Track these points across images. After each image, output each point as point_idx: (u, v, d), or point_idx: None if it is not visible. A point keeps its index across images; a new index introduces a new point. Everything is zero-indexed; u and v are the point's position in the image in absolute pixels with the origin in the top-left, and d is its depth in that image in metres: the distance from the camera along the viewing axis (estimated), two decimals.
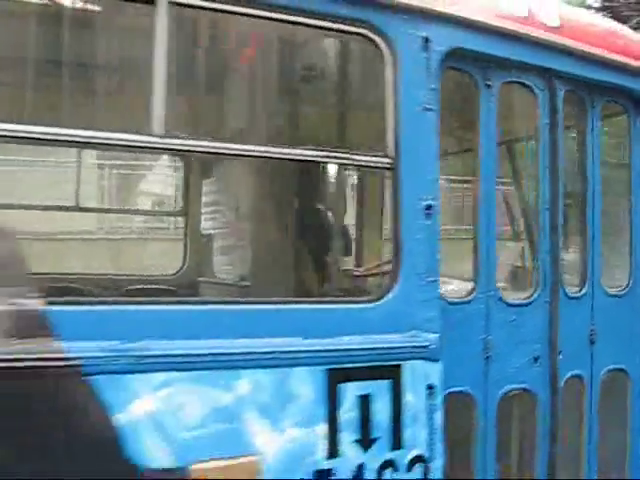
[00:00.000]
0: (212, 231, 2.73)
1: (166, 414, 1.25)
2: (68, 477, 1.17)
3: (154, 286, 2.24)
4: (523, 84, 1.80)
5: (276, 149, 1.41)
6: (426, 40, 1.56)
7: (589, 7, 22.87)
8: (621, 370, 2.01)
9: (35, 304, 1.18)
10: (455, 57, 1.62)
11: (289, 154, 1.44)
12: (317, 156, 1.50)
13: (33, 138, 1.23)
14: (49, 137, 1.23)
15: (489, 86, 1.74)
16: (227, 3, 1.34)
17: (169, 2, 1.30)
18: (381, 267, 1.68)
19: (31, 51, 1.66)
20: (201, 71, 1.67)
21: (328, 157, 1.51)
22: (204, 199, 2.82)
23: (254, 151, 1.42)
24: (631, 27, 14.87)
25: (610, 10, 22.40)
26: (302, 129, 1.91)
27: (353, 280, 1.94)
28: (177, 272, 2.77)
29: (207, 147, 1.35)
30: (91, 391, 1.19)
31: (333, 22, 1.48)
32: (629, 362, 2.02)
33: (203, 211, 2.82)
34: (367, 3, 1.49)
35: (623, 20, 17.23)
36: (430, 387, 1.51)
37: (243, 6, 1.36)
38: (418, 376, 1.50)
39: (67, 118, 1.58)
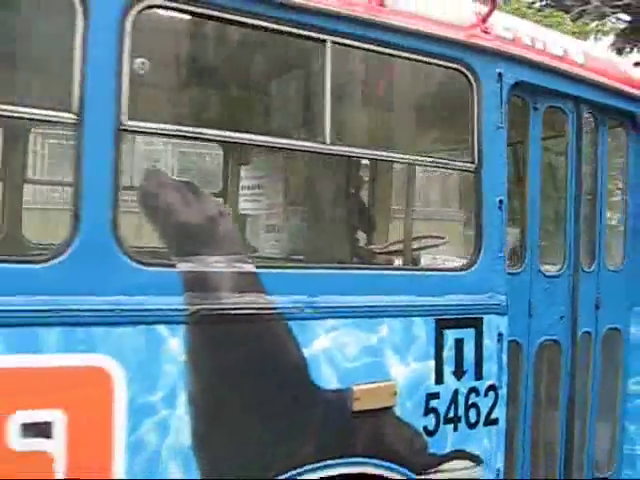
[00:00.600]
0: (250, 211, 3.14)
1: (334, 350, 1.72)
2: (273, 392, 1.63)
3: None
4: (560, 108, 2.34)
5: (404, 155, 1.90)
6: (500, 75, 2.07)
7: None
8: (616, 329, 2.63)
9: (251, 267, 1.62)
10: (517, 88, 2.14)
11: (415, 160, 1.94)
12: (424, 161, 2.00)
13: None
14: (260, 143, 1.69)
15: (536, 109, 2.28)
16: (373, 44, 1.80)
17: (332, 42, 1.76)
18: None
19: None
20: (357, 96, 2.12)
21: (432, 162, 2.02)
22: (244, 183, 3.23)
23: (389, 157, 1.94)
24: (572, 16, 15.86)
25: (554, 0, 23.43)
26: (418, 140, 2.42)
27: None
28: None
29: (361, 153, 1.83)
30: (288, 332, 1.65)
31: (439, 59, 1.96)
32: (622, 323, 2.64)
33: (242, 193, 3.23)
34: (463, 46, 1.98)
35: (566, 10, 18.23)
36: (500, 335, 2.05)
37: (384, 47, 1.83)
38: (493, 326, 2.03)
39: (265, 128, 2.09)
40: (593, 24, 16.90)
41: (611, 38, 20.94)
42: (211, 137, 1.73)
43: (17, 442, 1.34)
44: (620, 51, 22.42)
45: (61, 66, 1.46)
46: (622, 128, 2.62)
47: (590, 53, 2.57)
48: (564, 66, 2.31)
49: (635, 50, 22.33)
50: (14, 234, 2.48)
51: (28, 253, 1.69)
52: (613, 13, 20.54)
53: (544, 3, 21.64)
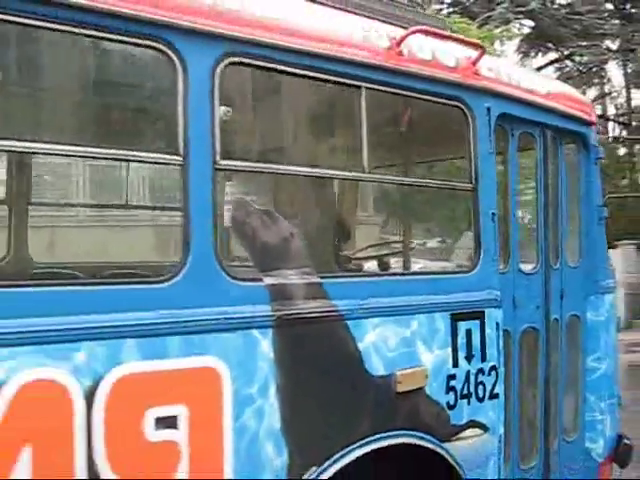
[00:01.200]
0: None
1: (380, 342, 2.11)
2: (337, 380, 1.98)
3: None
4: (530, 133, 2.85)
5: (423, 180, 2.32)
6: (488, 109, 2.54)
7: (442, 2, 25.09)
8: (576, 315, 3.18)
9: (316, 278, 1.97)
10: (500, 118, 2.61)
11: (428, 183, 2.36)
12: (430, 183, 2.45)
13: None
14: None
15: (513, 135, 2.77)
16: (396, 88, 2.21)
17: (366, 88, 2.14)
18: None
19: None
20: (386, 133, 2.50)
21: (441, 184, 2.46)
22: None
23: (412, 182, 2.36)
24: (479, 22, 17.17)
25: (461, 6, 24.91)
26: (427, 168, 2.84)
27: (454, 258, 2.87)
28: None
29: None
30: (346, 330, 2.02)
31: (443, 98, 2.40)
32: (580, 310, 3.19)
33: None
34: (461, 87, 2.42)
35: (473, 16, 19.45)
36: (497, 324, 2.52)
37: (405, 91, 2.25)
38: (492, 317, 2.50)
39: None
40: (498, 30, 18.34)
41: (516, 43, 22.71)
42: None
43: (152, 434, 1.63)
44: (526, 55, 24.26)
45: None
46: (577, 147, 3.18)
47: (551, 84, 3.12)
48: (533, 98, 2.82)
49: (540, 54, 24.22)
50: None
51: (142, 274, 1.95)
52: (517, 19, 22.30)
53: (451, 10, 23.06)
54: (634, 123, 17.93)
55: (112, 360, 1.58)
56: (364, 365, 2.07)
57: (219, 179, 1.80)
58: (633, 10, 20.39)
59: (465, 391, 2.39)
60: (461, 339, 2.39)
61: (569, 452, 3.09)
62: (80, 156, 2.08)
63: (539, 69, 23.34)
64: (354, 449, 2.03)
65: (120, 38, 1.70)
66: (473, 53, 2.55)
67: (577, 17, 21.08)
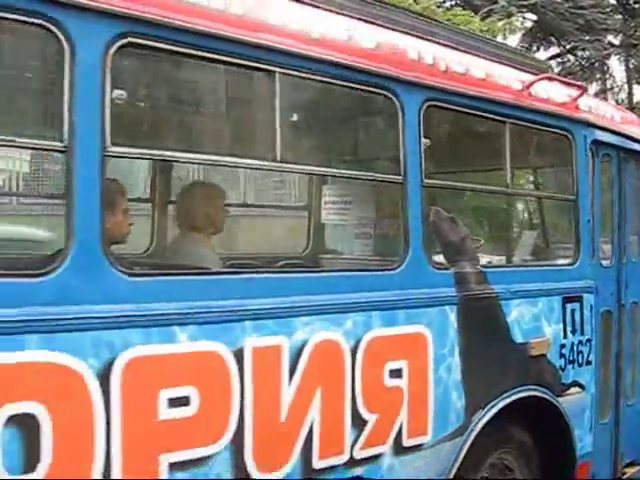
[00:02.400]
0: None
1: (519, 317, 2.88)
2: (495, 345, 2.74)
3: None
4: (608, 154, 3.62)
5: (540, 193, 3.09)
6: (585, 137, 3.31)
7: None
8: (635, 302, 3.99)
9: (481, 268, 2.72)
10: (591, 143, 3.38)
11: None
12: (546, 196, 3.21)
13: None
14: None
15: (598, 156, 3.54)
16: (520, 121, 2.96)
17: (510, 123, 2.89)
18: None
19: None
20: (522, 158, 3.26)
21: (551, 196, 3.23)
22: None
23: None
24: (482, 15, 18.08)
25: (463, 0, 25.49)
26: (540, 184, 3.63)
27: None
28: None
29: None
30: (500, 308, 2.79)
31: (555, 129, 3.15)
32: (638, 298, 4.00)
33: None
34: (569, 119, 3.18)
35: (475, 9, 20.21)
36: (591, 306, 3.30)
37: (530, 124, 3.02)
38: (588, 301, 3.29)
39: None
40: (501, 23, 19.09)
41: (519, 36, 23.55)
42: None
43: (388, 381, 2.37)
44: (528, 49, 25.10)
45: None
46: (636, 163, 3.98)
47: (623, 114, 3.90)
48: (612, 126, 3.60)
49: (542, 48, 25.11)
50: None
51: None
52: (520, 12, 23.10)
53: (453, 2, 23.76)
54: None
55: (366, 327, 2.32)
56: (510, 334, 2.86)
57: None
58: (636, 5, 21.07)
59: (571, 357, 3.18)
60: (568, 317, 3.18)
61: (629, 413, 3.91)
62: None
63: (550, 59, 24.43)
64: (504, 398, 2.81)
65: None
66: (575, 92, 3.33)
67: (580, 11, 21.99)
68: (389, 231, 2.72)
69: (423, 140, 2.55)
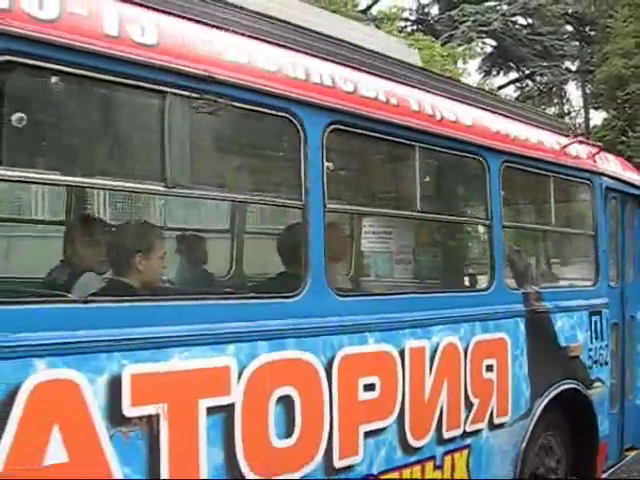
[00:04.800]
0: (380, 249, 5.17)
1: (562, 327, 3.86)
2: (548, 348, 3.70)
3: None
4: (615, 197, 4.69)
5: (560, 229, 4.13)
6: (601, 184, 4.37)
7: (406, 20, 27.23)
8: (632, 316, 5.08)
9: (537, 288, 3.69)
10: (605, 190, 4.44)
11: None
12: (574, 232, 4.25)
13: None
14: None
15: (607, 199, 4.60)
16: (537, 168, 3.99)
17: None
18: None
19: None
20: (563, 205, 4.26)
21: (580, 233, 4.26)
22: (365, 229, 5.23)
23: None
24: (442, 40, 19.60)
25: (425, 24, 27.11)
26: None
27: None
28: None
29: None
30: (550, 320, 3.77)
31: (580, 179, 4.18)
32: (635, 312, 5.09)
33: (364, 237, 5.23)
34: (590, 172, 4.22)
35: (436, 35, 21.68)
36: (607, 319, 4.35)
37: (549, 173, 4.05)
38: (605, 314, 4.35)
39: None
40: (461, 48, 20.56)
41: (478, 61, 25.20)
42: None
43: (484, 375, 3.29)
44: (488, 73, 26.82)
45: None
46: (634, 204, 5.09)
47: (619, 161, 5.00)
48: (619, 176, 4.68)
49: (501, 73, 26.87)
50: None
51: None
52: (479, 38, 24.76)
53: (415, 27, 25.14)
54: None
55: (472, 334, 3.23)
56: (557, 340, 3.87)
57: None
58: (592, 32, 23.04)
59: (595, 359, 4.21)
60: (593, 327, 4.23)
61: (629, 406, 4.98)
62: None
63: (500, 88, 26.16)
64: (554, 389, 3.80)
65: None
66: (593, 149, 4.39)
67: (538, 38, 23.91)
68: (480, 262, 3.70)
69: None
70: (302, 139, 2.53)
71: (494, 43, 24.57)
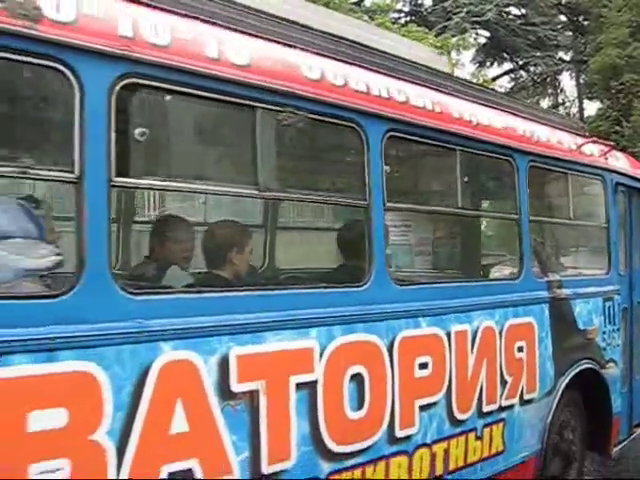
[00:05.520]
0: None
1: (580, 312, 4.23)
2: (569, 331, 4.06)
3: None
4: (623, 192, 5.06)
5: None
6: (611, 180, 4.74)
7: (399, 11, 27.40)
8: (639, 302, 5.47)
9: (559, 277, 4.04)
10: (618, 185, 4.80)
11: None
12: (590, 225, 4.61)
13: None
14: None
15: (616, 193, 4.96)
16: (579, 172, 4.33)
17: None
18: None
19: None
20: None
21: (593, 225, 4.62)
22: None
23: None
24: (436, 31, 19.78)
25: (418, 16, 27.27)
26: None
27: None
28: None
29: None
30: (570, 306, 4.13)
31: (593, 175, 4.54)
32: None
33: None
34: (604, 169, 4.58)
35: (430, 26, 21.91)
36: (619, 304, 4.73)
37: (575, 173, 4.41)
38: (616, 300, 4.72)
39: None
40: (454, 39, 20.78)
41: (472, 52, 25.43)
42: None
43: (517, 356, 3.65)
44: (481, 64, 27.05)
45: None
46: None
47: (626, 158, 5.36)
48: (626, 172, 5.04)
49: (495, 64, 27.12)
50: None
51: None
52: (473, 29, 24.97)
53: (408, 19, 25.27)
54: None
55: (506, 318, 3.57)
56: (577, 324, 4.24)
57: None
58: (586, 22, 22.91)
59: (608, 341, 4.60)
60: (606, 312, 4.59)
61: (637, 385, 5.38)
62: None
63: (494, 79, 26.44)
64: (574, 368, 4.18)
65: None
66: (605, 148, 4.74)
67: (531, 28, 24.18)
68: (511, 253, 4.06)
69: None
70: (365, 145, 2.87)
71: (488, 34, 24.84)
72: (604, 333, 4.62)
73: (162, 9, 2.36)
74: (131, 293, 2.14)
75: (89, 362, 2.00)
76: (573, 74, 23.82)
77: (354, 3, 22.06)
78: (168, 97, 2.36)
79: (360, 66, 3.08)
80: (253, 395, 2.39)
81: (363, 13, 20.93)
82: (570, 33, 23.97)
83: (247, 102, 2.48)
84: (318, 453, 2.60)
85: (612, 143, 4.86)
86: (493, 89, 4.48)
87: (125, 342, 2.09)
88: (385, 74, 3.18)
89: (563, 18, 24.53)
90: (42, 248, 2.01)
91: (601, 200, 4.78)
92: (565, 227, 4.52)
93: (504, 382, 3.62)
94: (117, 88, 2.12)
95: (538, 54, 23.96)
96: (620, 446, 4.91)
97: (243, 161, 2.64)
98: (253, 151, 2.51)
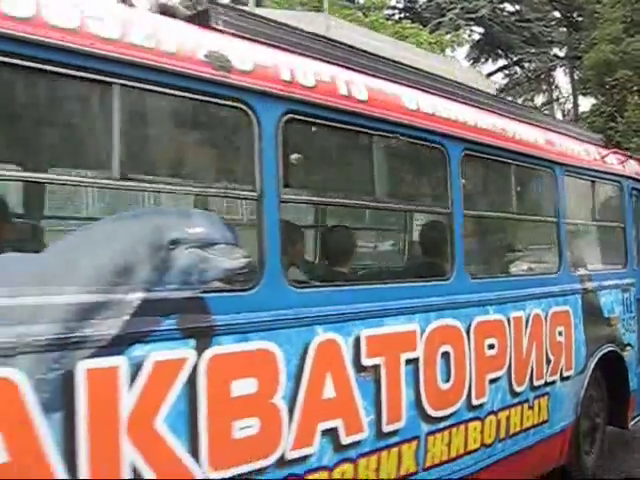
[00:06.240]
0: None
1: (604, 302, 4.94)
2: (595, 318, 4.76)
3: None
4: (634, 195, 5.76)
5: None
6: (628, 186, 5.44)
7: (393, 8, 27.73)
8: None
9: (586, 271, 4.72)
10: (633, 190, 5.50)
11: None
12: (609, 225, 5.30)
13: None
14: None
15: (631, 195, 5.66)
16: (596, 178, 5.02)
17: (593, 181, 4.91)
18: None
19: None
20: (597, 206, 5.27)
21: (612, 226, 5.31)
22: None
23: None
24: (430, 28, 20.09)
25: (413, 12, 27.60)
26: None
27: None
28: None
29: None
30: (597, 296, 4.84)
31: (611, 182, 5.23)
32: None
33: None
34: (620, 175, 5.27)
35: (424, 22, 22.36)
36: (634, 295, 5.44)
37: (595, 179, 5.10)
38: (632, 291, 5.46)
39: None
40: (448, 36, 21.29)
41: (466, 49, 26.02)
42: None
43: (557, 338, 4.31)
44: (476, 61, 27.65)
45: None
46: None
47: (637, 164, 6.05)
48: (637, 175, 5.74)
49: (489, 61, 27.75)
50: None
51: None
52: (467, 25, 25.51)
53: (402, 15, 25.70)
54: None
55: (549, 307, 4.24)
56: (602, 312, 4.96)
57: None
58: (579, 18, 23.62)
59: (626, 327, 5.33)
60: (624, 302, 5.31)
61: None
62: None
63: (489, 75, 27.09)
64: (601, 350, 4.90)
65: None
66: (622, 157, 5.44)
67: (526, 24, 24.88)
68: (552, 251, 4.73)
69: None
70: (448, 163, 3.54)
71: (482, 30, 25.49)
72: (623, 320, 5.35)
73: (306, 55, 3.01)
74: (296, 287, 2.78)
75: (269, 341, 2.65)
76: (567, 70, 24.54)
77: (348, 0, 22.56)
78: (314, 128, 2.99)
79: (443, 97, 3.78)
80: (377, 369, 3.05)
81: (357, 10, 21.43)
82: (564, 29, 24.63)
83: (366, 130, 3.18)
84: (420, 416, 3.30)
85: (629, 153, 5.58)
86: (538, 109, 5.13)
87: (293, 326, 2.74)
88: (459, 101, 3.87)
89: (557, 14, 25.22)
90: (236, 252, 2.62)
91: (619, 203, 5.50)
92: (592, 227, 5.22)
93: (549, 361, 4.33)
94: (282, 123, 2.76)
95: (532, 50, 24.67)
96: (636, 420, 5.65)
97: (363, 177, 3.29)
98: (371, 169, 3.19)
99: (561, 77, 27.28)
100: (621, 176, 5.52)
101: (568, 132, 5.18)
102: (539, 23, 23.79)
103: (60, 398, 2.04)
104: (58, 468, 2.04)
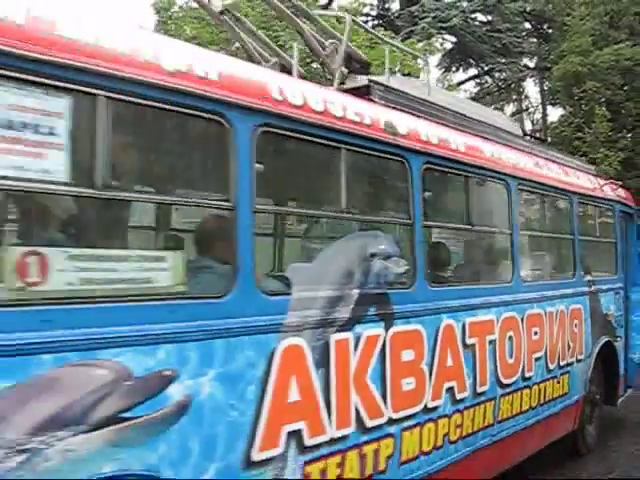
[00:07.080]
0: None
1: (605, 303, 6.51)
2: (598, 316, 6.27)
3: None
4: (624, 217, 7.31)
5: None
6: (618, 209, 6.99)
7: (367, 15, 28.69)
8: (628, 296, 7.77)
9: (591, 277, 6.21)
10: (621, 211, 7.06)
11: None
12: (608, 241, 6.82)
13: None
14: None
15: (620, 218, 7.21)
16: (596, 204, 6.51)
17: (593, 206, 6.39)
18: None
19: None
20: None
21: (608, 242, 6.83)
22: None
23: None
24: (402, 36, 21.13)
25: (385, 20, 28.41)
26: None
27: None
28: None
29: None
30: (599, 298, 6.38)
31: (607, 207, 6.74)
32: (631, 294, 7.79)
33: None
34: (614, 201, 6.79)
35: (396, 30, 23.46)
36: (623, 296, 7.02)
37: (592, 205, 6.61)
38: (622, 293, 7.10)
39: None
40: (421, 44, 22.23)
41: (438, 57, 26.98)
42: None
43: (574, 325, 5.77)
44: (447, 70, 28.83)
45: None
46: (630, 219, 7.76)
47: (623, 190, 7.61)
48: (624, 200, 7.30)
49: (461, 70, 28.98)
50: None
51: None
52: (439, 34, 26.62)
53: (376, 22, 26.49)
54: (549, 139, 21.62)
55: (563, 304, 5.69)
56: (602, 310, 6.51)
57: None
58: (550, 30, 24.53)
59: (618, 322, 6.91)
60: (616, 302, 6.90)
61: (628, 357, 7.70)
62: None
63: (460, 84, 28.42)
64: (602, 339, 6.48)
65: None
66: (614, 185, 6.98)
67: (497, 35, 25.86)
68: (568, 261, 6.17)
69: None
70: (509, 196, 4.95)
71: (454, 39, 26.64)
72: (615, 317, 6.91)
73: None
74: (432, 285, 4.12)
75: (418, 325, 3.98)
76: (537, 81, 25.43)
77: (322, 6, 23.44)
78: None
79: (504, 144, 5.19)
80: (474, 346, 4.43)
81: (330, 17, 22.41)
82: (535, 40, 25.43)
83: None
84: (497, 383, 4.80)
85: (620, 182, 7.21)
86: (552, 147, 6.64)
87: (430, 314, 4.09)
88: (511, 147, 5.30)
89: (528, 25, 25.99)
90: (401, 262, 3.92)
91: (612, 224, 7.07)
92: (595, 242, 6.73)
93: (569, 346, 5.84)
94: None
95: (503, 60, 25.54)
96: (622, 398, 7.22)
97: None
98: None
99: (531, 87, 28.10)
100: (614, 201, 7.14)
101: (579, 167, 6.75)
102: (510, 34, 24.73)
103: (323, 358, 3.32)
104: (321, 400, 3.36)
